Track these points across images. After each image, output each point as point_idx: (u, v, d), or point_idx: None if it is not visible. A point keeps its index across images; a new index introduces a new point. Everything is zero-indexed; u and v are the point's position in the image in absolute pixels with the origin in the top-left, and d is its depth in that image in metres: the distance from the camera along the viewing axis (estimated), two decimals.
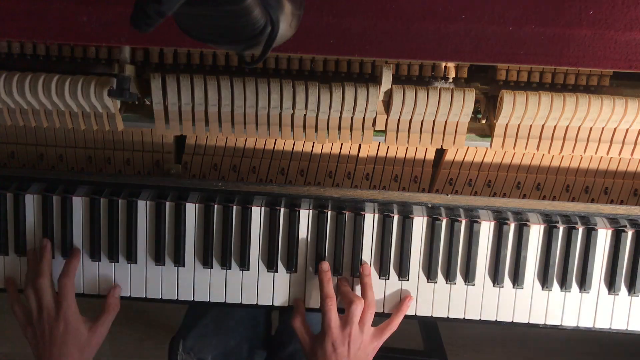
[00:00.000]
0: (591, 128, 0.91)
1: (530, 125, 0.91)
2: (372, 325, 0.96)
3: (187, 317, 1.17)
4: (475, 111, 0.95)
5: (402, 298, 1.00)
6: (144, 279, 1.01)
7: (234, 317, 1.13)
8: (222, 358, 1.10)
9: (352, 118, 0.91)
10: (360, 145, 0.99)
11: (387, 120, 0.91)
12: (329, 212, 0.99)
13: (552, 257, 0.99)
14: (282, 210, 0.99)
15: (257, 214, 0.99)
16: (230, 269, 1.00)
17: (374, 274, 1.00)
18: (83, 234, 1.00)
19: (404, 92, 0.88)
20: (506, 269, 1.00)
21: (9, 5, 0.79)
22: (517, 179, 1.00)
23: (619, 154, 0.93)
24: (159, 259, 1.00)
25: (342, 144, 0.99)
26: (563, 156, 0.99)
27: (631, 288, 1.00)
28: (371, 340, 0.94)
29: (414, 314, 1.01)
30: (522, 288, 1.00)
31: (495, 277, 0.99)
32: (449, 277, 1.00)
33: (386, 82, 0.87)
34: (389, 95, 0.88)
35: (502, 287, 1.00)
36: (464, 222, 0.99)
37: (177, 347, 1.12)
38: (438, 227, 0.99)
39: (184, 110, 0.90)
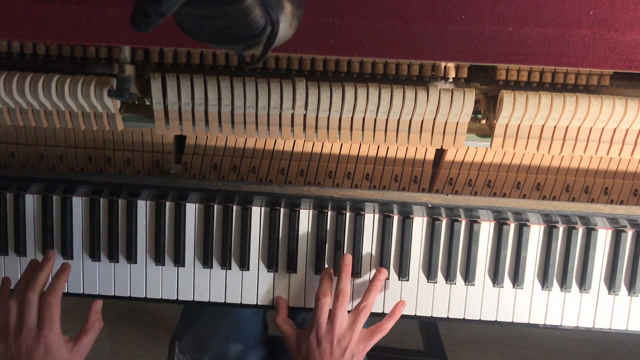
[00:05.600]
0: (591, 128, 0.91)
1: (530, 126, 0.91)
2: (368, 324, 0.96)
3: (183, 318, 1.17)
4: (475, 111, 0.95)
5: (396, 304, 0.99)
6: (144, 279, 1.01)
7: (229, 318, 1.13)
8: (218, 359, 1.10)
9: (352, 118, 0.91)
10: (360, 145, 0.99)
11: (387, 120, 0.91)
12: (329, 212, 0.99)
13: (552, 257, 0.99)
14: (282, 210, 0.99)
15: (257, 214, 0.99)
16: (230, 269, 1.00)
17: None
18: (83, 234, 1.00)
19: (404, 93, 0.88)
20: (506, 269, 1.00)
21: (9, 6, 0.79)
22: (517, 179, 1.00)
23: (619, 154, 0.93)
24: (159, 259, 1.00)
25: (342, 144, 0.99)
26: (563, 156, 0.99)
27: (631, 288, 1.00)
28: (359, 342, 0.92)
29: (414, 314, 1.01)
30: (522, 288, 1.00)
31: (495, 277, 0.99)
32: (449, 277, 1.00)
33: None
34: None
35: (502, 287, 1.00)
36: (464, 222, 0.99)
37: (174, 349, 1.12)
38: (438, 227, 0.99)
39: (184, 110, 0.90)
